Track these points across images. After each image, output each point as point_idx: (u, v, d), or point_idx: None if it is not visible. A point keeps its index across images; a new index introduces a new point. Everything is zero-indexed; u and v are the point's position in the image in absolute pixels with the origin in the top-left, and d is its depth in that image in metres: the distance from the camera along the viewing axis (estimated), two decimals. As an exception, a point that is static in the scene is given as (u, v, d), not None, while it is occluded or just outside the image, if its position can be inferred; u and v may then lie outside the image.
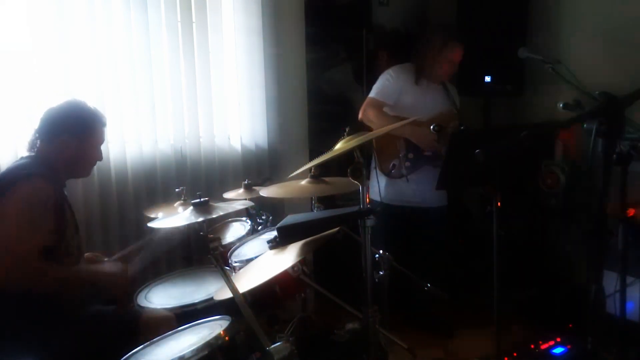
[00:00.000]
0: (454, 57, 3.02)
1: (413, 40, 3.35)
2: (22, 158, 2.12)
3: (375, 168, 3.09)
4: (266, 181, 3.00)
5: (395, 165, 3.05)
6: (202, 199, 1.77)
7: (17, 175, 1.95)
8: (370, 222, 1.69)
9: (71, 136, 2.06)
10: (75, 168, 2.15)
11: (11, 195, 1.89)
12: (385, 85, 3.07)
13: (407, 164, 3.04)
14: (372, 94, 3.09)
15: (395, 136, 3.03)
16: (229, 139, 3.24)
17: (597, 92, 2.33)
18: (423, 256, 3.12)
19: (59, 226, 1.99)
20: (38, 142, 2.07)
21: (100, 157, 2.21)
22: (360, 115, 3.06)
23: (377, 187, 2.93)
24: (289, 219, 1.72)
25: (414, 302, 3.14)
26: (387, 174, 3.07)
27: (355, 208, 1.72)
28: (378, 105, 3.03)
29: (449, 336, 3.18)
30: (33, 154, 2.08)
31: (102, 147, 2.73)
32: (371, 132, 1.96)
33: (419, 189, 3.05)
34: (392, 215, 3.02)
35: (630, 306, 2.53)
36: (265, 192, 2.23)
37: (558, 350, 2.52)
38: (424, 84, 3.09)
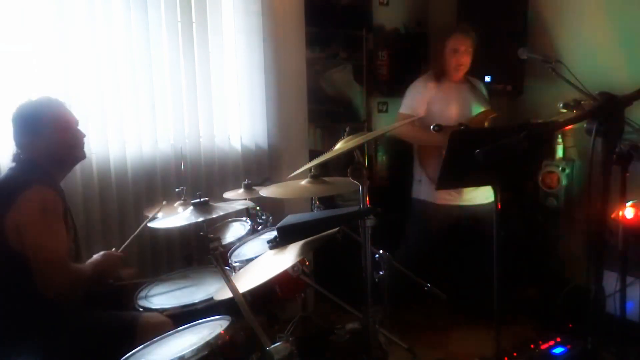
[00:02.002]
0: (456, 45, 3.05)
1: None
2: (9, 169, 2.10)
3: (421, 174, 3.17)
4: (266, 181, 3.00)
5: None
6: (202, 199, 1.77)
7: (17, 185, 1.94)
8: (370, 222, 1.69)
9: (37, 136, 2.05)
10: (63, 160, 2.13)
11: (19, 207, 1.89)
12: (413, 98, 3.14)
13: None
14: (402, 109, 3.17)
15: (438, 145, 2.99)
16: (229, 139, 3.24)
17: (597, 92, 2.34)
18: (475, 254, 3.07)
19: (67, 230, 2.02)
20: (18, 150, 2.07)
21: (81, 134, 2.17)
22: (396, 133, 3.16)
23: (427, 189, 3.08)
24: (289, 219, 1.72)
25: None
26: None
27: (355, 208, 1.72)
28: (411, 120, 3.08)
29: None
30: (19, 162, 2.07)
31: (102, 147, 2.78)
32: (371, 133, 1.96)
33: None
34: (443, 216, 3.11)
35: (630, 306, 2.53)
36: (265, 192, 2.23)
37: (558, 350, 2.52)
38: (447, 86, 3.12)
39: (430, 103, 3.12)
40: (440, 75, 3.14)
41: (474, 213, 3.06)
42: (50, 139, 2.06)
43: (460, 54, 3.06)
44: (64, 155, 2.13)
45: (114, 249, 2.29)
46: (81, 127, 2.19)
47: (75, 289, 1.96)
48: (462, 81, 3.17)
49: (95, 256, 2.14)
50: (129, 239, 2.40)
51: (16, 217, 1.89)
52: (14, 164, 2.09)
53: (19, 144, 2.07)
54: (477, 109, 3.13)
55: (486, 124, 3.07)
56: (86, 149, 2.23)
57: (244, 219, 2.73)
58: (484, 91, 3.25)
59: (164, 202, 2.59)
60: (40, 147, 2.05)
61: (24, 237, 1.88)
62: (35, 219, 1.89)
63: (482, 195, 3.04)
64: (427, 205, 3.16)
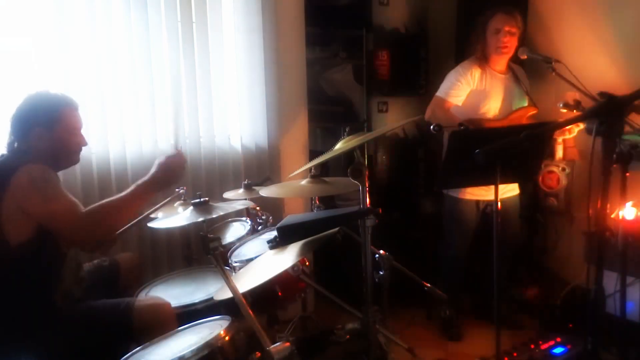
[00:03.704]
0: (498, 24, 2.88)
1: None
2: (2, 155, 2.08)
3: None
4: (266, 181, 3.00)
5: None
6: (202, 199, 1.77)
7: (12, 165, 1.92)
8: (370, 222, 1.69)
9: (41, 127, 2.02)
10: (59, 158, 2.10)
11: (14, 189, 1.87)
12: (454, 83, 2.97)
13: None
14: (440, 93, 3.00)
15: None
16: (229, 139, 3.24)
17: (597, 92, 2.34)
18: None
19: None
20: (15, 143, 2.05)
21: (84, 142, 2.16)
22: (427, 115, 2.99)
23: None
24: (289, 219, 1.72)
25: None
26: None
27: (355, 208, 1.72)
28: (446, 106, 2.97)
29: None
30: (11, 151, 2.05)
31: (102, 147, 2.78)
32: (371, 132, 1.96)
33: None
34: (469, 211, 3.07)
35: (630, 306, 2.53)
36: (265, 192, 2.23)
37: (558, 350, 2.52)
38: (490, 77, 2.98)
39: (470, 95, 2.98)
40: (483, 62, 2.97)
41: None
42: (57, 137, 2.05)
43: (503, 34, 2.87)
44: (62, 156, 2.11)
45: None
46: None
47: (112, 225, 1.96)
48: (506, 71, 3.03)
49: (153, 169, 2.06)
50: None
51: (15, 203, 1.87)
52: (5, 153, 2.07)
53: (20, 132, 2.03)
54: (518, 104, 3.03)
55: (524, 121, 2.98)
56: (86, 148, 2.22)
57: (244, 219, 2.73)
58: (527, 82, 3.12)
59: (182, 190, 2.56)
60: (43, 140, 2.02)
61: (32, 214, 1.87)
62: (30, 193, 1.87)
63: (504, 189, 2.98)
64: (460, 202, 3.09)
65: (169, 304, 1.98)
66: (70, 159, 2.16)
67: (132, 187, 2.04)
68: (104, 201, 2.02)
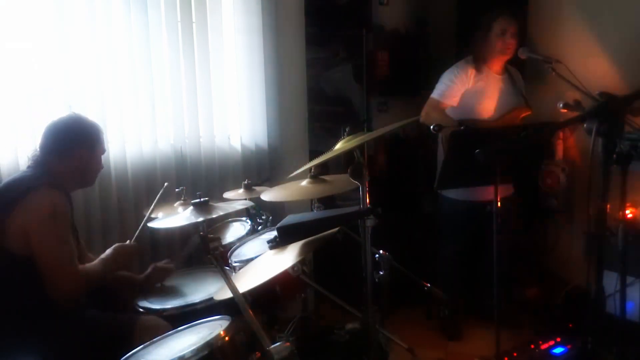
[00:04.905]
0: (504, 26, 2.91)
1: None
2: (24, 171, 2.10)
3: None
4: (266, 181, 3.00)
5: None
6: (202, 199, 1.77)
7: (24, 187, 1.93)
8: (370, 222, 1.69)
9: (84, 149, 2.08)
10: (85, 179, 2.17)
11: (27, 209, 1.88)
12: (449, 85, 2.98)
13: None
14: (435, 95, 3.01)
15: None
16: (229, 139, 3.24)
17: (597, 92, 2.34)
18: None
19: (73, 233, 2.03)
20: (41, 156, 2.06)
21: (102, 167, 2.24)
22: (422, 117, 2.97)
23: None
24: (289, 218, 1.72)
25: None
26: None
27: (355, 208, 1.72)
28: (441, 108, 2.97)
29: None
30: (35, 166, 2.06)
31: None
32: (371, 132, 1.96)
33: None
34: (465, 212, 3.06)
35: (630, 306, 2.53)
36: (265, 196, 2.22)
37: (558, 350, 2.52)
38: (486, 77, 2.99)
39: (465, 95, 2.99)
40: (480, 62, 2.99)
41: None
42: (82, 162, 2.09)
43: (509, 37, 2.91)
44: (82, 179, 2.15)
45: (128, 241, 2.28)
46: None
47: (86, 290, 1.96)
48: (502, 72, 3.05)
49: (108, 250, 2.14)
50: (139, 228, 2.38)
51: (23, 220, 1.87)
52: (27, 168, 2.08)
53: (48, 150, 2.05)
54: (513, 105, 3.03)
55: (518, 122, 2.98)
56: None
57: (244, 219, 2.73)
58: (522, 84, 3.14)
59: (166, 184, 2.60)
60: (67, 163, 2.05)
61: (33, 242, 1.87)
62: (44, 224, 1.88)
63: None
64: (456, 203, 3.09)
65: (168, 325, 1.97)
66: (93, 181, 2.23)
67: (98, 262, 2.09)
68: (87, 266, 2.04)
